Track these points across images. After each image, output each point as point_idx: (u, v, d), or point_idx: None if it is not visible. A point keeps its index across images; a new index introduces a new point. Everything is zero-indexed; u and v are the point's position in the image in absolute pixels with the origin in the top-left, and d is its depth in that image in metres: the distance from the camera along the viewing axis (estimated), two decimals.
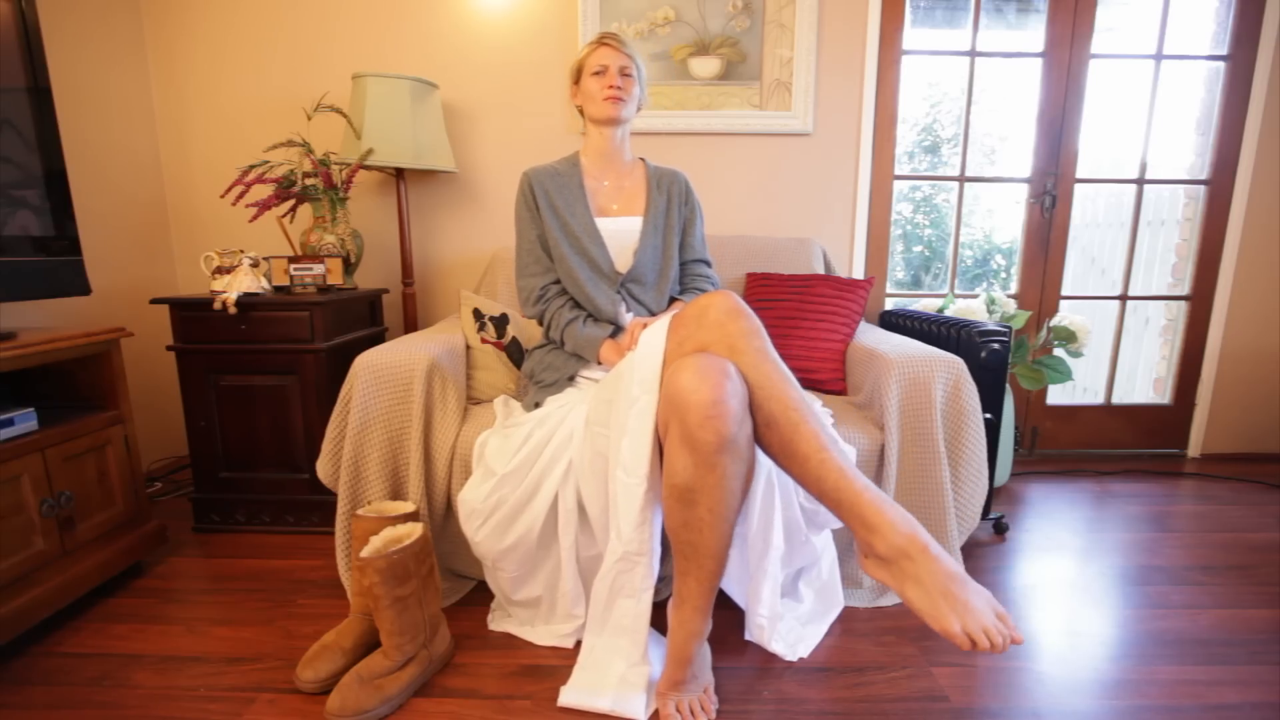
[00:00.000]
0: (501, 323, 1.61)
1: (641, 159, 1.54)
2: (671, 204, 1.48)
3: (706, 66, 2.07)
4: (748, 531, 1.11)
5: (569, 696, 1.05)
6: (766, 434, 0.95)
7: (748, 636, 1.21)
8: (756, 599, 1.15)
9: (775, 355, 0.99)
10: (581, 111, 1.46)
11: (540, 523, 1.17)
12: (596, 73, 1.37)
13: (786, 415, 0.93)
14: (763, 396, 0.94)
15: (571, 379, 1.37)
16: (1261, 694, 1.08)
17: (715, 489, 0.91)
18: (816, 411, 0.96)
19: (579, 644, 1.17)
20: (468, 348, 1.58)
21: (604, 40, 1.38)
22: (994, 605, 0.82)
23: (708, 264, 1.55)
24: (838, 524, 1.26)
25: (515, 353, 1.60)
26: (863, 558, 0.91)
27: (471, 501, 1.21)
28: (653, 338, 1.04)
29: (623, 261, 1.43)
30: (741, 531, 1.16)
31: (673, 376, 0.93)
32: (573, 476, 1.16)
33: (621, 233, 1.43)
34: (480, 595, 1.37)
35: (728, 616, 1.22)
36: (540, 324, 1.45)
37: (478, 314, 1.60)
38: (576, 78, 1.42)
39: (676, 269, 1.48)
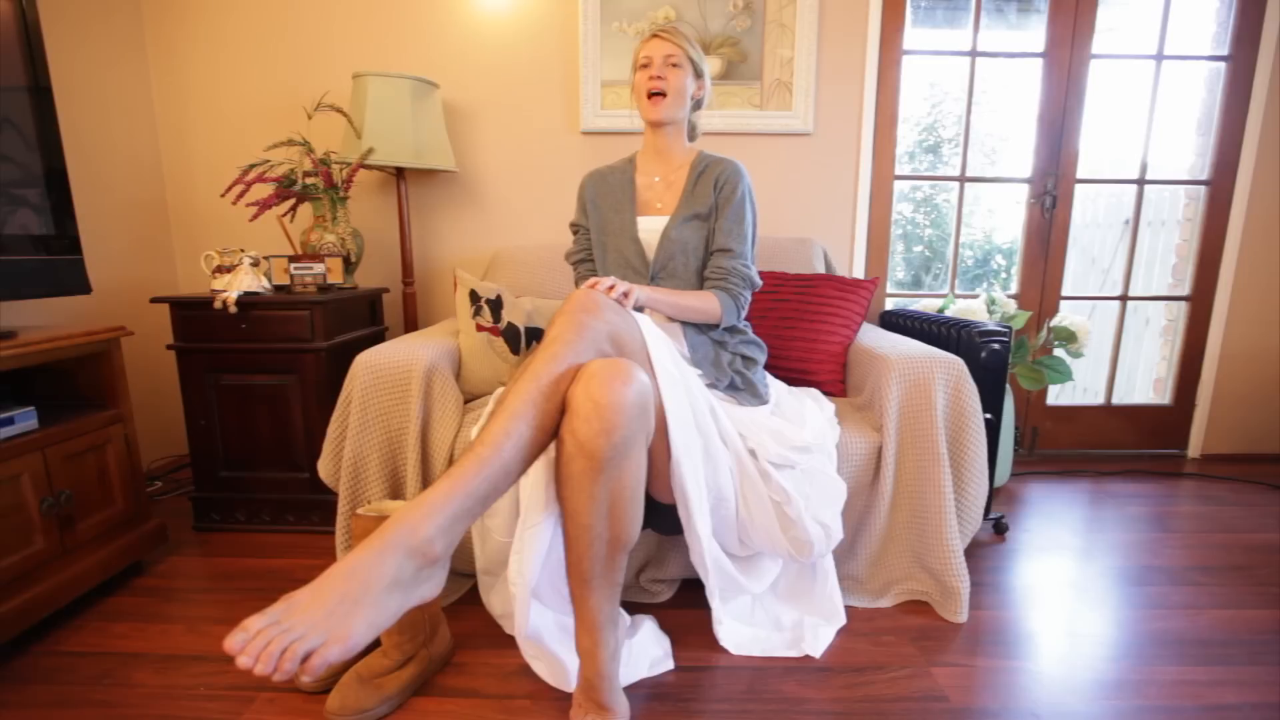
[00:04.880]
0: (497, 306, 1.56)
1: (699, 151, 1.46)
2: (702, 193, 1.40)
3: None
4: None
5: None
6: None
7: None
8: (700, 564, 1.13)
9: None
10: None
11: None
12: (643, 65, 1.35)
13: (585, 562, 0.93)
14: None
15: None
16: (1261, 694, 1.08)
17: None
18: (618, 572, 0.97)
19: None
20: None
21: (655, 32, 1.37)
22: None
23: (728, 252, 1.36)
24: (773, 576, 1.28)
25: (512, 339, 1.57)
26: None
27: None
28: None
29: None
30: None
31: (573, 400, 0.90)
32: None
33: (657, 231, 1.41)
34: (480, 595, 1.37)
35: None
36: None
37: (474, 296, 1.56)
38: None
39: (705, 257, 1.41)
